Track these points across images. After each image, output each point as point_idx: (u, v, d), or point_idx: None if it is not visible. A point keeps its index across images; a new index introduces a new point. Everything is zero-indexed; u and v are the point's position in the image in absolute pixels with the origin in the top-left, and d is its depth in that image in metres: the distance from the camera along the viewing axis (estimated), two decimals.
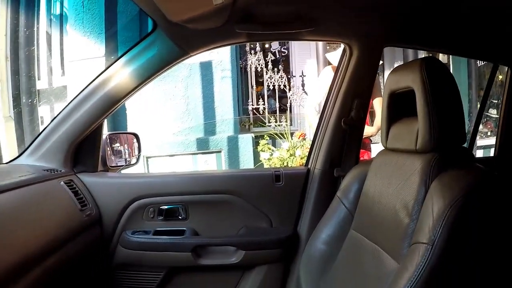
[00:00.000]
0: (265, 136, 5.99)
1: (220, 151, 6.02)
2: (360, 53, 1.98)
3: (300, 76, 7.41)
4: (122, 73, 1.89)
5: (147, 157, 5.24)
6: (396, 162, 1.41)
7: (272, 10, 1.72)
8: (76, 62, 6.02)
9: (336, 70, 2.12)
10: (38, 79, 6.82)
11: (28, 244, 1.40)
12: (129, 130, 5.44)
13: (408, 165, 1.33)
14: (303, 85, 7.33)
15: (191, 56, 1.87)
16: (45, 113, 6.76)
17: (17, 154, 2.06)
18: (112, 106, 1.93)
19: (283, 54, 7.53)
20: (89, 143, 2.05)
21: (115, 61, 1.91)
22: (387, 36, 2.00)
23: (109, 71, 1.91)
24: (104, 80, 1.91)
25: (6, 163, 2.07)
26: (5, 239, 1.31)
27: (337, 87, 2.06)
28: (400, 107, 1.47)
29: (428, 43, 2.14)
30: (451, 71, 6.62)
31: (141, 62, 1.88)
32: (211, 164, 5.95)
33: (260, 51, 7.13)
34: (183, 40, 1.82)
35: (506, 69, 2.45)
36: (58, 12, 7.07)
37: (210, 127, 5.94)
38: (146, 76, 1.89)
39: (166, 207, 2.05)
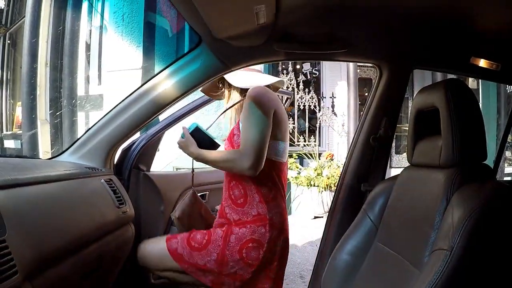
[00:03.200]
0: (294, 154, 6.05)
1: None
2: (390, 74, 2.07)
3: (330, 97, 7.48)
4: (166, 83, 2.01)
5: (177, 168, 5.36)
6: (421, 177, 1.50)
7: (309, 31, 1.82)
8: (114, 72, 6.20)
9: (370, 93, 2.21)
10: (76, 87, 7.03)
11: (71, 232, 1.52)
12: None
13: (431, 179, 1.40)
14: (333, 106, 7.39)
15: (232, 70, 1.99)
16: (81, 118, 6.96)
17: (50, 155, 2.20)
18: (154, 113, 2.06)
19: (314, 76, 7.61)
20: (129, 147, 2.22)
21: (160, 72, 2.04)
22: (416, 58, 2.09)
23: (153, 81, 2.04)
24: (148, 88, 2.04)
25: (49, 158, 2.23)
26: (51, 225, 1.43)
27: (367, 106, 2.15)
28: (425, 125, 1.56)
29: (457, 66, 2.20)
30: (480, 96, 6.61)
31: (185, 73, 1.99)
32: None
33: (292, 72, 7.24)
34: (225, 55, 1.93)
35: None
36: (98, 24, 7.31)
37: None
38: (189, 87, 2.01)
39: None
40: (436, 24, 1.72)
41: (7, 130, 10.18)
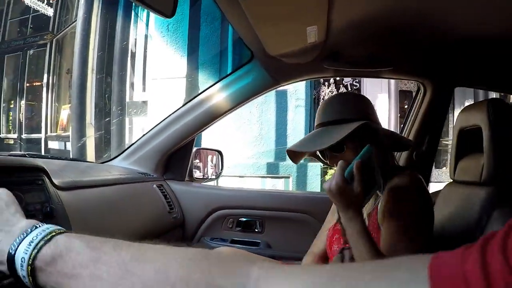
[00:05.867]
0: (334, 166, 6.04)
1: (288, 177, 6.16)
2: (433, 92, 2.11)
3: None
4: (218, 96, 2.12)
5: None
6: (462, 193, 1.53)
7: (356, 51, 1.89)
8: (158, 80, 6.39)
9: (410, 107, 2.24)
10: (122, 93, 7.25)
11: (124, 234, 1.57)
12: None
13: (472, 196, 1.44)
14: None
15: (281, 86, 2.08)
16: (126, 124, 7.17)
17: (94, 157, 2.31)
18: (205, 124, 2.17)
19: (355, 88, 7.61)
20: (179, 155, 2.30)
21: (212, 85, 2.15)
22: (458, 77, 2.12)
23: (206, 93, 2.15)
24: (201, 100, 2.15)
25: (102, 162, 2.35)
26: (107, 226, 1.53)
27: (410, 122, 2.19)
28: (468, 143, 1.59)
29: (498, 84, 2.23)
30: None
31: (237, 87, 2.10)
32: (279, 188, 6.07)
33: (333, 83, 7.26)
34: (276, 72, 2.02)
35: None
36: (144, 32, 7.52)
37: (281, 153, 6.12)
38: (240, 100, 2.11)
39: (244, 219, 2.24)
40: (479, 43, 1.75)
41: (51, 132, 10.59)
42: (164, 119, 2.22)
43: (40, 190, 1.23)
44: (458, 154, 1.63)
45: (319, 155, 1.57)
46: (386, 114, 6.45)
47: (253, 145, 6.24)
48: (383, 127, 1.52)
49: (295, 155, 1.55)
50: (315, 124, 1.51)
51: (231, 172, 5.78)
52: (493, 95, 5.84)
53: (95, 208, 1.52)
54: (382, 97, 7.10)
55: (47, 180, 1.29)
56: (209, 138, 5.51)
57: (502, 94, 4.99)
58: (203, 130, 2.20)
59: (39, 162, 1.32)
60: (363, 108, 1.47)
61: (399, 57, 1.95)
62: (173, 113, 2.20)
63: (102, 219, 1.53)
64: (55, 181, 1.34)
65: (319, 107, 1.53)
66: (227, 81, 2.12)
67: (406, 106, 7.39)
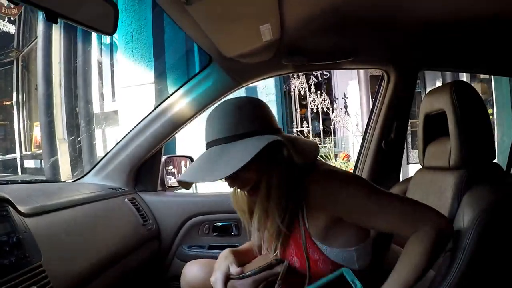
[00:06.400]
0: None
1: None
2: (397, 78, 2.11)
3: (342, 98, 7.50)
4: (181, 102, 2.09)
5: None
6: (432, 179, 1.53)
7: (315, 44, 1.87)
8: (126, 88, 6.30)
9: (376, 95, 2.24)
10: (91, 105, 7.15)
11: (98, 253, 1.58)
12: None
13: (442, 181, 1.44)
14: (345, 106, 7.39)
15: (243, 86, 2.06)
16: (98, 136, 7.07)
17: (70, 174, 2.27)
18: (171, 132, 2.14)
19: (325, 77, 7.64)
20: (149, 165, 2.26)
21: (174, 92, 2.12)
22: (421, 60, 2.12)
23: (168, 101, 2.12)
24: (164, 108, 2.12)
25: (73, 181, 2.30)
26: (78, 247, 1.49)
27: (377, 111, 2.19)
28: (434, 128, 1.59)
29: (462, 64, 2.25)
30: (493, 87, 6.54)
31: (199, 92, 2.07)
32: None
33: (302, 75, 7.28)
34: (236, 73, 2.00)
35: None
36: (108, 41, 7.41)
37: None
38: (203, 105, 2.08)
39: (220, 224, 2.21)
40: (439, 26, 1.75)
41: (26, 151, 10.39)
42: (130, 131, 2.18)
43: (5, 221, 1.22)
44: (426, 139, 1.63)
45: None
46: (357, 100, 6.49)
47: None
48: (285, 134, 1.33)
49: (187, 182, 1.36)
50: (206, 143, 1.28)
51: None
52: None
53: (66, 231, 1.49)
54: (353, 84, 7.15)
55: (11, 209, 1.27)
56: (182, 141, 5.45)
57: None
58: (170, 138, 2.17)
59: (4, 190, 1.32)
60: (262, 115, 1.28)
61: (359, 47, 1.94)
62: (138, 123, 2.17)
63: (74, 241, 1.49)
64: (21, 209, 1.33)
65: (207, 120, 1.29)
66: (188, 86, 2.09)
67: None
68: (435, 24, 1.72)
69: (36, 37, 8.67)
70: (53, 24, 7.41)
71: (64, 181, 2.41)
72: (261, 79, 2.05)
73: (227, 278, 1.29)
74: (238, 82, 2.04)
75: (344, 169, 5.49)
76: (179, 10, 1.34)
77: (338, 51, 1.91)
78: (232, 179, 1.25)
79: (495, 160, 1.41)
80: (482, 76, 6.77)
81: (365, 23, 1.72)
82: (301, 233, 1.25)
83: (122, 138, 2.20)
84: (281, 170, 1.22)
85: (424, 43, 1.95)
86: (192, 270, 1.62)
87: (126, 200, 2.06)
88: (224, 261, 1.35)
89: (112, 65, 7.30)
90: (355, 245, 1.26)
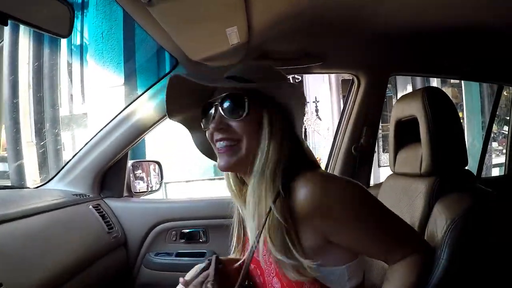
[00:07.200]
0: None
1: None
2: (368, 83, 2.10)
3: (313, 102, 7.51)
4: (146, 106, 2.04)
5: (165, 183, 5.34)
6: (403, 186, 1.51)
7: (282, 48, 1.85)
8: (96, 90, 6.20)
9: (346, 99, 2.23)
10: (60, 107, 7.00)
11: (60, 262, 1.52)
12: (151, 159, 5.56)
13: (413, 188, 1.42)
14: (317, 110, 7.42)
15: None
16: (67, 139, 6.93)
17: (38, 178, 2.19)
18: (137, 137, 2.08)
19: (297, 81, 7.65)
20: (115, 171, 2.19)
21: (140, 96, 2.06)
22: (392, 65, 2.13)
23: (134, 105, 2.06)
24: (129, 113, 2.06)
25: (37, 187, 2.21)
26: (39, 257, 1.43)
27: (347, 116, 2.17)
28: (406, 134, 1.57)
29: (433, 69, 2.25)
30: (463, 91, 6.69)
31: (164, 96, 2.00)
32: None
33: None
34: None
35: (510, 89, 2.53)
36: (78, 42, 7.27)
37: None
38: None
39: (187, 230, 2.15)
40: (410, 32, 1.75)
41: None
42: (95, 136, 2.11)
43: None
44: (397, 145, 1.62)
45: (203, 119, 1.15)
46: (329, 104, 6.53)
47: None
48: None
49: (174, 108, 1.19)
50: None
51: (178, 177, 5.67)
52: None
53: (24, 241, 1.42)
54: (324, 88, 7.19)
55: None
56: (152, 145, 5.38)
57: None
58: (136, 143, 2.11)
59: None
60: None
61: (328, 51, 1.93)
62: (103, 128, 2.10)
63: (33, 252, 1.42)
64: None
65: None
66: (154, 90, 2.04)
67: None
68: (404, 29, 1.73)
69: (2, 40, 8.43)
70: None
71: (28, 187, 2.32)
72: None
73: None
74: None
75: None
76: (141, 11, 1.30)
77: (307, 55, 1.90)
78: (222, 120, 1.07)
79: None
80: (452, 81, 6.90)
81: (334, 27, 1.71)
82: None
83: (87, 143, 2.12)
84: (283, 136, 1.06)
85: (393, 48, 1.95)
86: None
87: (91, 207, 1.99)
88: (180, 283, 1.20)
89: (82, 67, 7.15)
90: (349, 261, 1.08)
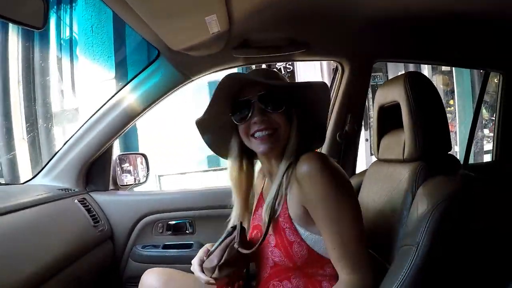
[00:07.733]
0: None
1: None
2: (352, 70, 2.09)
3: None
4: (129, 97, 2.03)
5: (159, 176, 5.32)
6: (387, 172, 1.51)
7: (265, 36, 1.84)
8: (87, 84, 6.16)
9: (330, 87, 2.21)
10: (51, 102, 6.95)
11: (46, 257, 1.52)
12: (139, 151, 5.52)
13: (397, 174, 1.42)
14: None
15: (192, 80, 2.00)
16: (58, 134, 6.90)
17: (31, 175, 2.18)
18: (121, 128, 2.07)
19: (288, 71, 7.61)
20: (100, 164, 2.18)
21: (123, 87, 2.05)
22: (376, 52, 2.11)
23: (117, 96, 2.04)
24: (113, 104, 2.04)
25: (23, 183, 2.21)
26: (25, 252, 1.43)
27: (331, 103, 2.16)
28: (389, 120, 1.57)
29: (417, 56, 2.24)
30: (454, 78, 6.68)
31: (147, 87, 2.01)
32: (222, 180, 5.95)
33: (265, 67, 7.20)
34: (184, 66, 1.94)
35: (498, 75, 2.52)
36: (67, 36, 7.21)
37: None
38: (152, 100, 2.02)
39: (174, 222, 2.15)
40: (392, 19, 1.74)
41: None
42: (79, 129, 2.10)
43: None
44: (380, 132, 1.61)
45: (235, 115, 1.31)
46: None
47: (191, 139, 6.10)
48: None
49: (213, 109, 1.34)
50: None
51: (172, 170, 5.66)
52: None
53: (10, 236, 1.43)
54: (316, 77, 7.14)
55: None
56: (145, 138, 5.36)
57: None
58: (119, 135, 2.09)
59: None
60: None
61: (310, 39, 1.91)
62: (86, 121, 2.09)
63: (19, 247, 1.43)
64: None
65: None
66: (136, 81, 2.03)
67: None
68: (387, 16, 1.72)
69: None
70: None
71: (14, 184, 2.32)
72: (212, 73, 2.00)
73: (202, 261, 1.34)
74: (187, 76, 1.99)
75: None
76: (120, 3, 1.28)
77: (289, 42, 1.88)
78: (261, 112, 1.25)
79: (457, 151, 1.40)
80: (443, 68, 6.89)
81: (316, 15, 1.70)
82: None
83: (71, 137, 2.12)
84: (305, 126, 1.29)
85: (377, 35, 1.94)
86: (149, 279, 1.60)
87: (76, 201, 1.98)
88: (200, 252, 1.39)
89: (72, 61, 7.09)
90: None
